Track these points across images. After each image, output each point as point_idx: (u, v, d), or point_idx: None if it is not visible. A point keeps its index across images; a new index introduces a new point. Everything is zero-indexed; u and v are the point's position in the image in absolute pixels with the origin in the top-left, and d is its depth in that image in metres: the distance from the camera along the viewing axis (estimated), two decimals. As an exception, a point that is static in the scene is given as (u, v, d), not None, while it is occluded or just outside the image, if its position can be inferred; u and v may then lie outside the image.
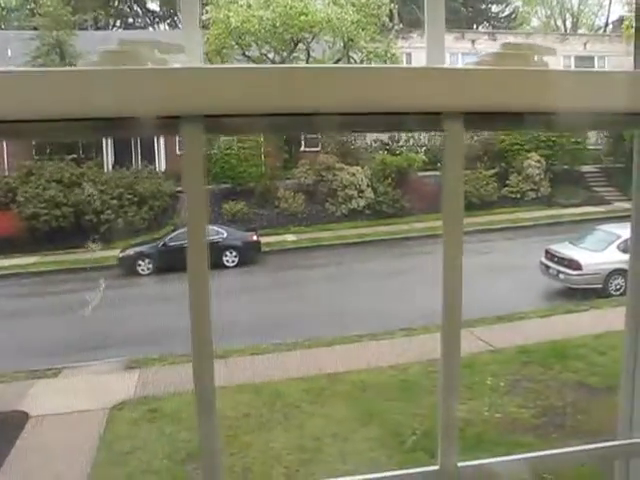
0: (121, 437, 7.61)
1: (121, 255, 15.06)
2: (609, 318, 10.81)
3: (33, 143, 21.04)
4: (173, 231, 15.60)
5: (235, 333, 9.24)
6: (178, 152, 20.68)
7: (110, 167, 20.03)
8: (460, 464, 1.35)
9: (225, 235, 15.23)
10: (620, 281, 13.20)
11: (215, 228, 15.61)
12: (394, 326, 9.86)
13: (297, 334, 9.69)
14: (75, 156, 19.16)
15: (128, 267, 14.74)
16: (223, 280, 12.50)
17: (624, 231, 14.46)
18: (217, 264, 14.14)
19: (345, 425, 7.32)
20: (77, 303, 12.46)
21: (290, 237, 16.46)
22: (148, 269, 14.64)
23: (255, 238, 15.63)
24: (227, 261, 14.74)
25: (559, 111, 0.92)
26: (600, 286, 12.90)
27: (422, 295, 11.21)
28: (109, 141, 20.75)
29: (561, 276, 12.96)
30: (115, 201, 17.31)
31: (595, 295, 12.56)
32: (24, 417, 7.89)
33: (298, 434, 7.12)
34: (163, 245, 14.98)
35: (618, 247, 13.59)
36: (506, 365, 8.79)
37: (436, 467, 1.37)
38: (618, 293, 12.92)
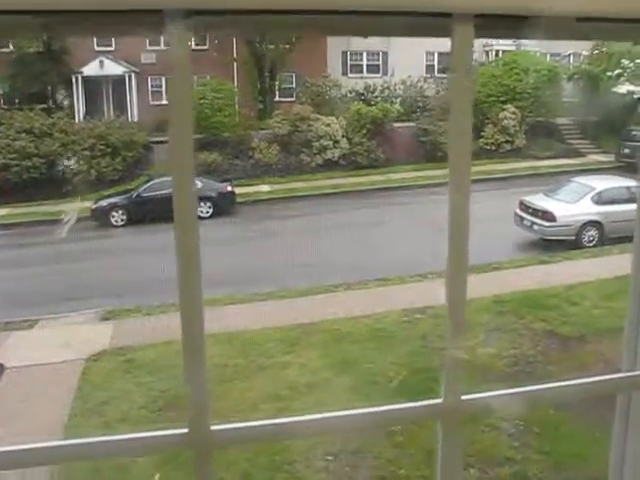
0: (97, 387, 7.62)
1: (94, 206, 14.89)
2: (582, 269, 10.97)
3: (0, 92, 20.60)
4: (147, 182, 15.44)
5: (210, 283, 9.20)
6: (151, 102, 20.41)
7: (81, 117, 19.69)
8: (464, 397, 1.36)
9: (200, 186, 15.09)
10: (593, 233, 13.32)
11: (189, 179, 15.48)
12: (369, 276, 9.90)
13: (272, 284, 9.69)
14: (45, 106, 18.80)
15: (101, 218, 14.59)
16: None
17: (598, 183, 14.58)
18: (192, 215, 14.05)
19: (320, 374, 7.38)
20: (50, 255, 12.36)
21: (265, 188, 16.38)
22: (122, 220, 14.51)
23: (230, 189, 15.51)
24: (201, 212, 14.63)
25: (571, 15, 0.90)
26: (573, 238, 13.02)
27: (397, 246, 11.30)
28: (80, 91, 20.35)
29: (535, 227, 13.06)
30: (87, 152, 17.03)
31: (568, 246, 12.69)
32: (0, 368, 7.86)
33: (273, 383, 7.17)
34: (137, 196, 14.84)
35: (592, 199, 13.69)
36: (480, 314, 8.88)
37: (439, 400, 1.38)
38: (591, 245, 13.06)
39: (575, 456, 6.26)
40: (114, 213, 14.60)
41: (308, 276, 9.46)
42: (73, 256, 11.97)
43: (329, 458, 6.26)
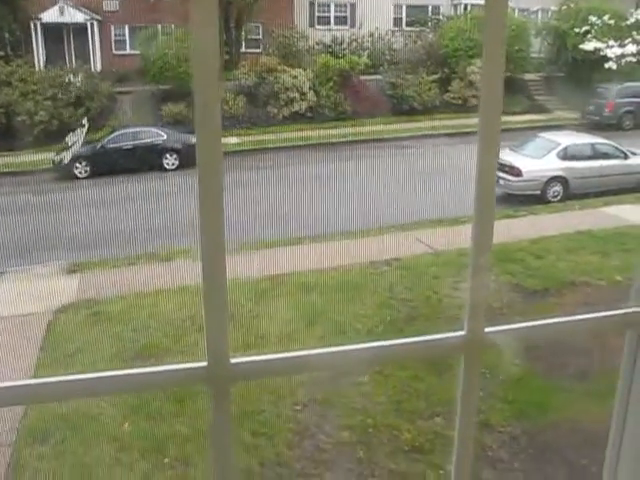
0: (65, 339, 7.58)
1: (57, 158, 14.59)
2: (546, 224, 11.14)
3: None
4: (111, 133, 15.15)
5: (178, 235, 9.18)
6: (114, 52, 19.95)
7: (41, 66, 19.15)
8: (487, 329, 1.40)
9: (165, 137, 14.89)
10: (558, 188, 13.50)
11: (154, 130, 15.22)
12: (336, 229, 9.91)
13: (240, 236, 9.67)
14: (2, 53, 18.22)
15: (64, 170, 14.32)
16: (164, 183, 12.31)
17: (564, 139, 14.74)
18: (158, 167, 13.86)
19: (290, 325, 7.44)
20: (13, 207, 12.13)
21: (232, 140, 16.16)
22: (85, 172, 14.24)
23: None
24: (167, 164, 14.44)
25: None
26: (539, 192, 13.18)
27: (364, 198, 11.31)
28: (40, 38, 19.77)
29: (501, 182, 13.14)
30: (49, 102, 16.60)
31: (534, 201, 12.85)
32: (-35, 320, 7.77)
33: (244, 334, 7.21)
34: (101, 147, 14.56)
35: (557, 155, 13.85)
36: (446, 267, 8.99)
37: (463, 332, 1.41)
38: (556, 200, 13.25)
39: (536, 405, 6.44)
40: (77, 164, 14.31)
41: (276, 228, 9.44)
42: (36, 208, 11.78)
43: (297, 408, 6.35)
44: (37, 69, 18.69)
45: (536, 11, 24.90)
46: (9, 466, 5.61)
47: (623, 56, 20.09)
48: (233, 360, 1.44)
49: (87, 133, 15.95)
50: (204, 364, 1.42)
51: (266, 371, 1.63)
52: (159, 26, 18.98)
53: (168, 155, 14.37)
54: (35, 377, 6.87)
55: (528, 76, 22.59)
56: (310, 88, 19.18)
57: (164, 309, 7.91)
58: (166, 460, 5.80)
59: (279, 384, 6.36)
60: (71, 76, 17.72)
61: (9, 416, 6.15)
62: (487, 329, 1.43)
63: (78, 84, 17.32)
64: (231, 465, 1.51)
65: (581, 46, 20.91)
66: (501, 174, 13.82)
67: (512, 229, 10.52)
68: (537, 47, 23.17)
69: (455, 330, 1.55)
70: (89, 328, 7.71)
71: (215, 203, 1.38)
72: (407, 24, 23.06)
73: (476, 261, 1.34)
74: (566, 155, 13.90)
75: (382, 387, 6.46)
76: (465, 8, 24.35)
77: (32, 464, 5.73)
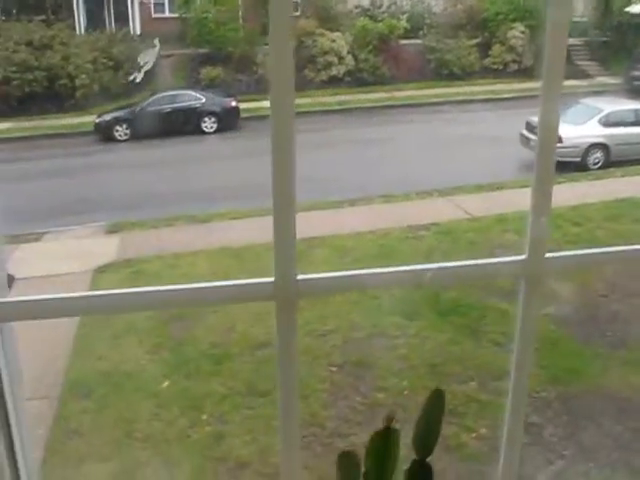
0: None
1: (97, 121, 14.75)
2: (586, 191, 10.97)
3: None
4: (151, 96, 15.25)
5: (216, 198, 9.26)
6: (154, 15, 19.95)
7: (82, 30, 19.25)
8: (548, 255, 1.47)
9: (203, 100, 14.95)
10: (599, 155, 13.28)
11: (193, 93, 15.28)
12: (373, 193, 9.91)
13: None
14: (44, 17, 18.34)
15: (105, 133, 14.47)
16: (203, 146, 12.39)
17: (605, 105, 14.44)
18: (196, 130, 13.95)
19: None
20: (54, 170, 12.33)
21: (268, 103, 16.21)
22: (125, 135, 14.38)
23: (234, 104, 15.32)
24: (206, 127, 14.53)
25: None
26: (579, 159, 12.97)
27: (402, 163, 11.26)
28: (80, 2, 19.86)
29: (540, 148, 12.98)
30: (90, 65, 16.73)
31: (574, 168, 12.66)
32: (10, 279, 7.96)
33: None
34: (141, 110, 14.68)
35: (599, 121, 13.59)
36: (483, 233, 8.95)
37: (523, 256, 1.48)
38: (596, 167, 13.04)
39: (570, 371, 6.43)
40: (117, 127, 14.46)
41: (313, 192, 9.42)
42: (77, 170, 11.96)
43: (333, 369, 6.42)
44: (78, 33, 18.83)
45: (581, -27, 24.33)
46: (55, 417, 5.80)
47: (671, 19, 19.58)
48: (300, 277, 1.52)
49: (127, 97, 16.09)
50: (271, 280, 1.51)
51: (330, 287, 1.76)
52: (198, -10, 18.94)
53: (206, 118, 14.45)
54: (76, 335, 7.07)
55: (570, 40, 22.02)
56: (348, 52, 19.04)
57: (201, 270, 8.01)
58: (204, 417, 5.94)
59: (315, 345, 6.45)
60: (111, 40, 17.82)
61: (54, 370, 6.35)
62: (548, 255, 1.52)
63: (118, 48, 17.42)
64: (295, 378, 1.59)
65: (627, 9, 20.37)
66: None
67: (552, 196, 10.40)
68: (580, 10, 22.62)
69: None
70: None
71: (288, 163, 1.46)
72: (447, -13, 22.71)
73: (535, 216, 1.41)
74: (608, 121, 13.62)
75: (418, 350, 6.51)
76: (507, -29, 23.86)
77: (76, 417, 5.92)
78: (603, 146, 13.30)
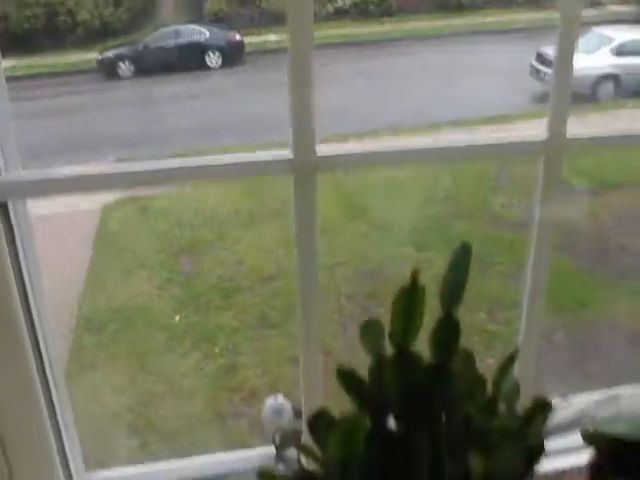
0: (114, 235, 7.79)
1: (100, 57, 14.53)
2: (594, 122, 10.83)
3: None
4: (153, 32, 14.99)
5: (221, 133, 9.20)
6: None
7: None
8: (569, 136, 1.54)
9: (208, 35, 14.69)
10: (609, 86, 13.05)
11: (197, 28, 15.00)
12: (381, 126, 9.81)
13: (282, 134, 9.64)
14: (41, -49, 17.93)
15: (108, 70, 14.27)
16: (208, 81, 12.24)
17: (617, 34, 14.11)
18: (201, 65, 13.74)
19: (330, 220, 7.46)
20: (58, 107, 12.23)
21: (273, 37, 15.87)
22: (129, 71, 14.18)
23: (238, 38, 15.06)
24: (210, 62, 14.29)
25: None
26: (589, 90, 12.76)
27: (410, 95, 11.12)
28: None
29: (547, 78, 12.76)
30: (90, 1, 16.42)
31: (583, 99, 12.46)
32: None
33: (288, 229, 7.30)
34: (144, 46, 14.45)
35: (610, 50, 13.30)
36: (488, 164, 8.90)
37: (544, 138, 1.54)
38: (607, 98, 12.83)
39: (576, 301, 6.48)
40: (121, 64, 14.25)
41: (318, 125, 9.37)
42: (81, 108, 11.86)
43: (343, 301, 6.49)
44: (76, -33, 18.43)
45: None
46: (71, 351, 5.91)
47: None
48: (318, 151, 1.65)
49: (129, 33, 15.81)
50: (290, 156, 1.65)
51: (348, 162, 1.91)
52: None
53: (211, 53, 14.19)
54: (88, 272, 7.14)
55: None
56: (354, -17, 18.65)
57: (210, 205, 8.02)
58: (216, 349, 6.03)
59: (324, 277, 6.49)
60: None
61: (68, 303, 6.44)
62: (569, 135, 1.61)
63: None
64: (314, 256, 1.69)
65: None
66: (551, 71, 13.34)
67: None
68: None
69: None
70: (137, 224, 7.89)
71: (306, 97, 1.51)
72: None
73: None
74: (619, 51, 13.33)
75: (427, 281, 6.55)
76: None
77: (90, 350, 6.03)
78: (614, 77, 13.07)
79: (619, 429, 1.52)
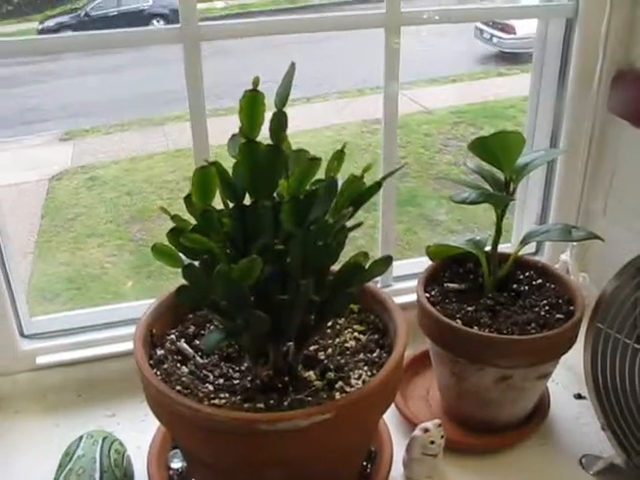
0: (63, 205, 7.73)
1: (40, 27, 14.20)
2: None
3: None
4: (94, 0, 14.71)
5: (170, 101, 9.13)
6: None
7: None
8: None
9: (150, 2, 14.48)
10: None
11: (139, -6, 14.79)
12: (328, 90, 9.86)
13: (231, 101, 9.62)
14: None
15: (49, 40, 14.00)
16: (153, 50, 12.06)
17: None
18: (144, 33, 13.55)
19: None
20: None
21: (219, 4, 15.73)
22: (71, 40, 13.95)
23: (182, 5, 14.88)
24: (154, 30, 14.14)
25: None
26: (532, 50, 12.93)
27: (356, 59, 11.15)
28: None
29: (494, 40, 12.89)
30: (27, -32, 15.99)
31: (528, 59, 12.62)
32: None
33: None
34: (85, 15, 14.16)
35: (551, 10, 13.49)
36: (438, 125, 9.04)
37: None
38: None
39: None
40: (62, 34, 13.98)
41: (269, 91, 9.37)
42: (22, 80, 11.60)
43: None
44: None
45: None
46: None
47: None
48: (201, 23, 1.99)
49: (69, 1, 15.46)
50: (177, 26, 2.01)
51: (231, 32, 2.17)
52: None
53: (155, 21, 13.98)
54: (37, 243, 7.09)
55: None
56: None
57: (158, 172, 8.01)
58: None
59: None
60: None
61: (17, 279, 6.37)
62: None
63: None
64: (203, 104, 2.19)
65: None
66: (495, 32, 13.53)
67: (504, 87, 10.49)
68: None
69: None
70: (85, 194, 7.84)
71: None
72: None
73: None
74: (561, 11, 13.51)
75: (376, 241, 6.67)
76: None
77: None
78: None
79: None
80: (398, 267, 2.50)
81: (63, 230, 7.29)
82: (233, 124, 1.49)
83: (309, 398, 1.47)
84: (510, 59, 13.18)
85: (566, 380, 2.18)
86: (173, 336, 1.72)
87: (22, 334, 2.24)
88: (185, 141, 8.44)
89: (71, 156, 8.63)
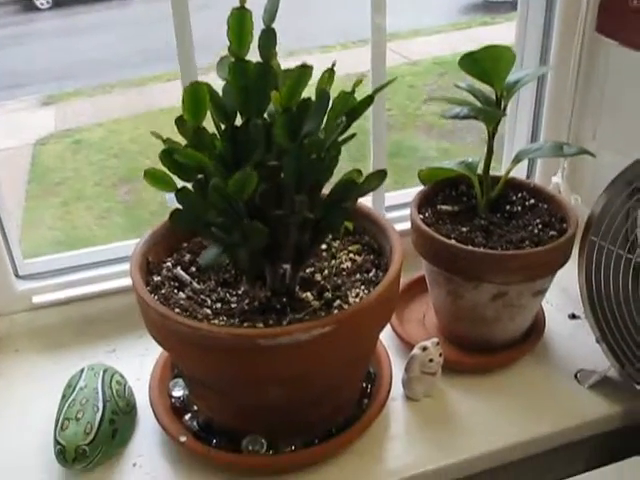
0: (49, 170, 7.66)
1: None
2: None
3: None
4: (70, -37, 14.40)
5: (150, 61, 9.03)
6: None
7: None
8: None
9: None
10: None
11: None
12: (312, 44, 9.75)
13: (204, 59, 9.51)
14: None
15: (25, 2, 13.71)
16: (129, 10, 11.87)
17: None
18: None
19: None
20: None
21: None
22: (47, 2, 13.65)
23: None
24: (42, 4, 13.82)
25: None
26: (516, -1, 12.83)
27: (339, 12, 11.01)
28: None
29: (478, -11, 12.80)
30: None
31: (511, 9, 12.53)
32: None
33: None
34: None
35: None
36: (422, 76, 8.98)
37: None
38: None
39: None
40: (45, -15, 13.69)
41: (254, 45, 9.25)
42: (1, 43, 11.41)
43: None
44: None
45: None
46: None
47: None
48: None
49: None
50: None
51: None
52: None
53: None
54: (25, 208, 7.04)
55: None
56: None
57: (144, 132, 7.93)
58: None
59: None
60: None
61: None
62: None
63: None
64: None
65: None
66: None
67: (489, 36, 10.40)
68: None
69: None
70: (71, 157, 7.77)
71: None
72: None
73: None
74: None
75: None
76: None
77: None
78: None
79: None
80: (389, 198, 2.51)
81: (51, 195, 7.23)
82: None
83: (307, 317, 1.49)
84: (494, 8, 13.07)
85: (560, 302, 2.21)
86: (169, 264, 1.73)
87: (17, 275, 2.28)
88: (168, 100, 8.36)
89: (54, 120, 8.54)
